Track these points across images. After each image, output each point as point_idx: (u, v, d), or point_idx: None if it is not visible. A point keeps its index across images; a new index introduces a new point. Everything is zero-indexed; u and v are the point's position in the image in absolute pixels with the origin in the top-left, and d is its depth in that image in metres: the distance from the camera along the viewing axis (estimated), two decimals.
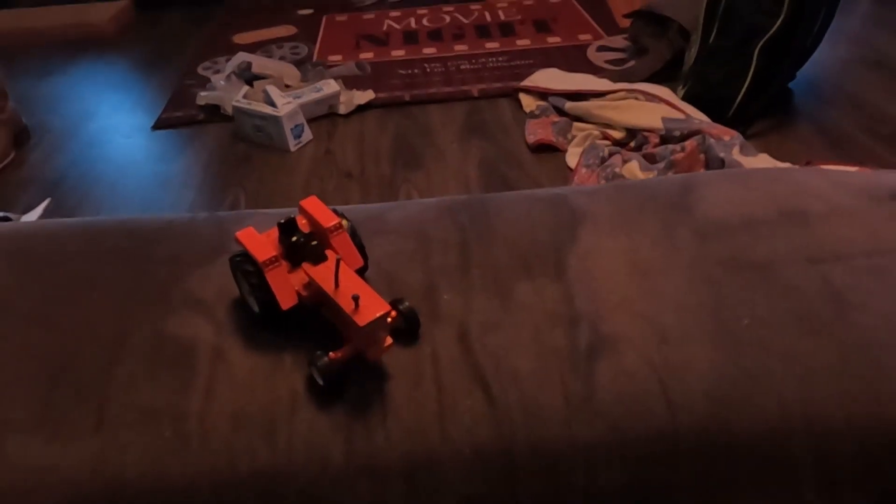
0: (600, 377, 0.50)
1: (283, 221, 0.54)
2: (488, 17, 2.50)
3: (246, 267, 0.53)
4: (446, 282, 0.58)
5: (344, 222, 0.56)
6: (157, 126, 1.88)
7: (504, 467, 0.48)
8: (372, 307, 0.48)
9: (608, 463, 0.48)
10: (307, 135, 1.74)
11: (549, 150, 1.62)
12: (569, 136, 1.65)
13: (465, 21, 2.48)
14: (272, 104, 1.69)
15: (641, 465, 0.48)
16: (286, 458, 0.48)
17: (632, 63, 2.00)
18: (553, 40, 2.26)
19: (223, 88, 1.91)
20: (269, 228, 0.56)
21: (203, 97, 1.91)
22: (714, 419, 0.48)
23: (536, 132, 1.66)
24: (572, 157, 1.56)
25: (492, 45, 2.26)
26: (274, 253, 0.52)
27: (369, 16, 2.62)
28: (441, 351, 0.52)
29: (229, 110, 1.81)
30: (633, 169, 1.43)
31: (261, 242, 0.53)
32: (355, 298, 0.48)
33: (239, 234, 0.54)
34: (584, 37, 2.26)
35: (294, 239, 0.54)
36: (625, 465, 0.48)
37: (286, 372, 0.52)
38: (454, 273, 0.59)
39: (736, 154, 1.41)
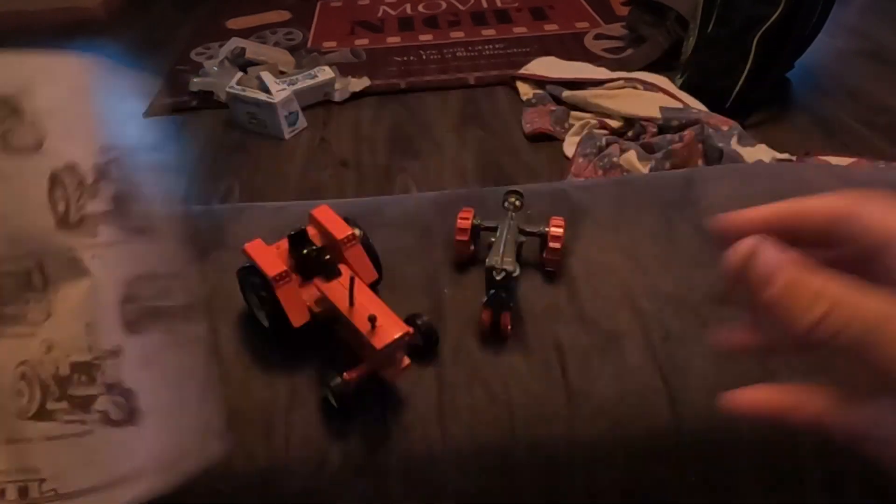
0: (602, 374, 0.49)
1: (293, 233, 0.52)
2: (484, 4, 2.48)
3: (254, 280, 0.51)
4: (447, 276, 0.57)
5: (357, 232, 0.54)
6: (149, 113, 1.86)
7: (504, 465, 0.47)
8: (389, 328, 0.46)
9: (610, 461, 0.47)
10: (302, 122, 1.73)
11: (546, 139, 1.61)
12: (566, 125, 1.64)
13: (462, 8, 2.46)
14: (266, 90, 1.67)
15: (643, 463, 0.47)
16: (283, 457, 0.47)
17: (629, 51, 1.99)
18: (550, 28, 2.24)
19: (216, 74, 1.89)
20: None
21: (196, 83, 1.89)
22: (717, 416, 0.48)
23: (533, 121, 1.65)
24: (569, 147, 1.56)
25: (488, 33, 2.24)
26: (284, 267, 0.50)
27: (364, 1, 2.59)
28: (441, 347, 0.52)
29: (223, 97, 1.80)
30: (631, 158, 1.42)
31: (270, 255, 0.51)
32: (371, 319, 0.46)
33: (247, 246, 0.51)
34: (581, 24, 2.24)
35: (305, 252, 0.51)
36: (626, 464, 0.47)
37: (283, 369, 0.51)
38: (455, 267, 0.58)
39: (734, 144, 1.41)
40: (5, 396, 0.24)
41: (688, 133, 1.44)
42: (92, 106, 0.25)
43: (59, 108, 0.24)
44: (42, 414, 0.24)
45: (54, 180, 0.24)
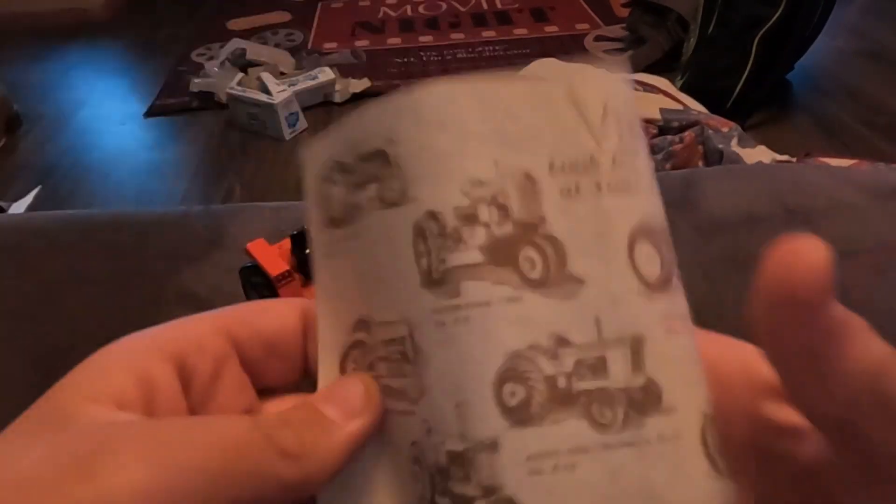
0: None
1: (295, 233, 0.52)
2: (485, 5, 2.48)
3: (256, 280, 0.51)
4: None
5: None
6: (150, 113, 1.87)
7: None
8: None
9: None
10: (302, 123, 1.73)
11: None
12: None
13: (462, 9, 2.46)
14: (267, 91, 1.67)
15: None
16: None
17: (629, 53, 1.99)
18: (550, 29, 2.25)
19: (217, 75, 1.89)
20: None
21: (197, 84, 1.90)
22: None
23: None
24: None
25: (489, 34, 2.24)
26: (287, 267, 0.50)
27: (365, 3, 2.60)
28: None
29: (223, 97, 1.80)
30: None
31: (272, 255, 0.51)
32: None
33: (249, 245, 0.52)
34: (581, 26, 2.24)
35: (307, 251, 0.52)
36: None
37: None
38: None
39: (734, 146, 1.40)
40: (404, 478, 0.21)
41: (688, 134, 1.44)
42: (449, 139, 0.20)
43: (416, 149, 0.20)
44: None
45: (417, 232, 0.20)
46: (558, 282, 0.20)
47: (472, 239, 0.19)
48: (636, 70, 1.81)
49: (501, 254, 0.19)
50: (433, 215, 0.20)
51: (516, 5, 2.45)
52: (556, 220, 0.20)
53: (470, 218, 0.20)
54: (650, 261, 0.20)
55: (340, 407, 0.21)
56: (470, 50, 2.13)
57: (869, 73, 1.83)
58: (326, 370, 0.23)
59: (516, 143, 0.20)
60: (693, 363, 0.20)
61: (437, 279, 0.20)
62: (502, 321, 0.19)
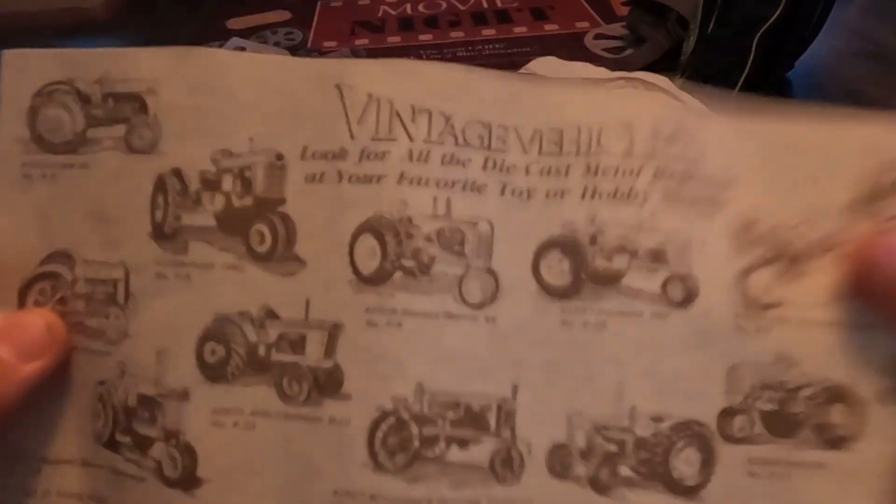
0: None
1: None
2: (485, 4, 2.48)
3: None
4: None
5: None
6: None
7: None
8: None
9: None
10: None
11: None
12: None
13: (462, 7, 2.46)
14: None
15: None
16: None
17: (629, 52, 1.99)
18: (550, 28, 2.24)
19: None
20: None
21: None
22: None
23: None
24: None
25: (488, 32, 2.24)
26: None
27: (364, 1, 2.59)
28: None
29: None
30: None
31: None
32: None
33: None
34: (581, 24, 2.24)
35: None
36: None
37: None
38: None
39: None
40: (85, 415, 0.22)
41: None
42: (214, 104, 0.21)
43: (178, 106, 0.21)
44: (112, 443, 0.22)
45: (158, 185, 0.21)
46: (282, 259, 0.21)
47: (210, 205, 0.21)
48: (636, 69, 1.81)
49: (234, 224, 0.21)
50: (178, 173, 0.21)
51: (516, 4, 2.45)
52: (295, 202, 0.21)
53: (212, 184, 0.21)
54: (370, 255, 0.21)
55: (17, 346, 0.20)
56: (470, 48, 2.13)
57: (869, 73, 1.83)
58: (2, 298, 0.23)
59: (276, 123, 0.21)
60: (389, 361, 0.21)
61: (168, 234, 0.21)
62: (219, 285, 0.21)
